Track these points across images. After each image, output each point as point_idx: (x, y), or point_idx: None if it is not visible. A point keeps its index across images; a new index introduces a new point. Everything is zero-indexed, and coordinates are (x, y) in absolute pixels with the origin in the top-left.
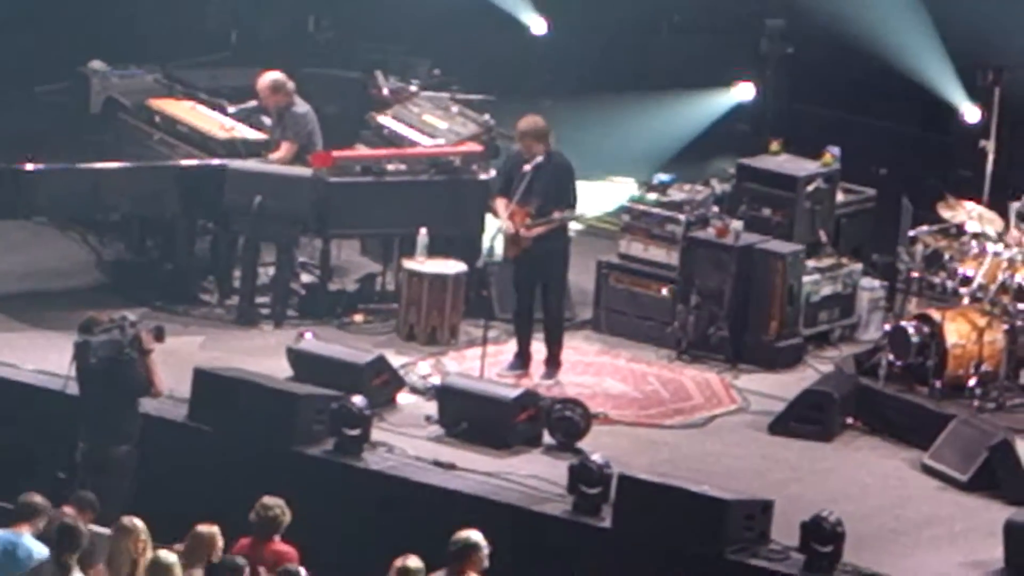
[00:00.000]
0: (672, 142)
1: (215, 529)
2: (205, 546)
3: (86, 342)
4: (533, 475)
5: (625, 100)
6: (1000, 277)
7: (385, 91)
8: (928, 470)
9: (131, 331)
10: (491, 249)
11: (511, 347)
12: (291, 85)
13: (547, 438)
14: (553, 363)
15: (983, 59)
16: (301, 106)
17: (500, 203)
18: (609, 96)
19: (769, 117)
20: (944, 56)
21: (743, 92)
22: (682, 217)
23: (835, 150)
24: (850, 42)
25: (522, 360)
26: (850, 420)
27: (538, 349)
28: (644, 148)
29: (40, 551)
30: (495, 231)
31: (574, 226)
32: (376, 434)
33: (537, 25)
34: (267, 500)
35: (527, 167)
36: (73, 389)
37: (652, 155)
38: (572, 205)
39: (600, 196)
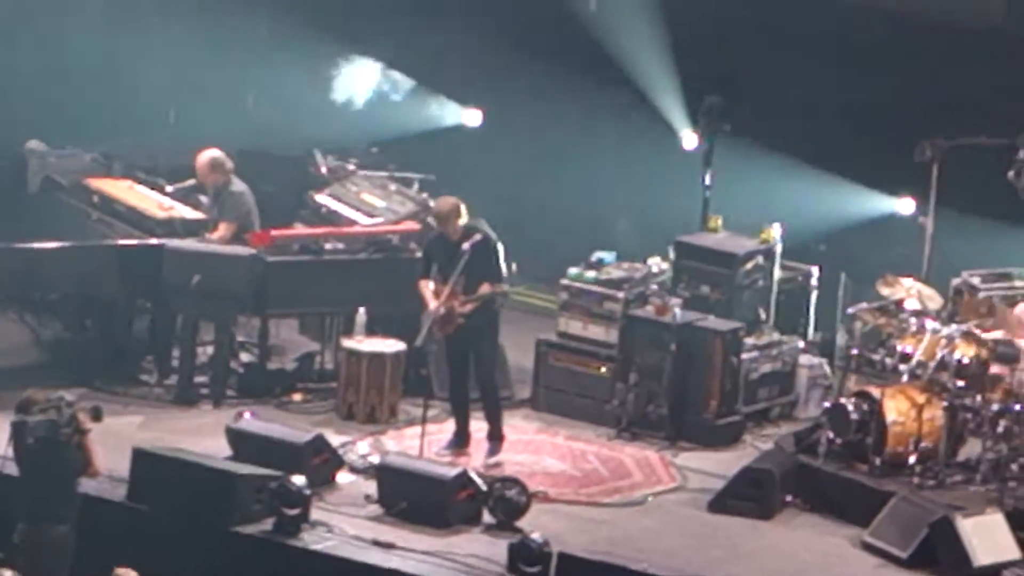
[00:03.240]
0: None
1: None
2: None
3: (23, 422)
4: (473, 554)
5: None
6: (939, 354)
7: (323, 169)
8: (868, 547)
9: (68, 411)
10: (428, 333)
11: (450, 426)
12: (229, 164)
13: (486, 517)
14: (496, 436)
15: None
16: (238, 185)
17: (424, 285)
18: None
19: None
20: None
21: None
22: (621, 295)
23: (777, 226)
24: None
25: (461, 439)
26: (789, 498)
27: (479, 427)
28: None
29: None
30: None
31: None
32: (315, 513)
33: (471, 118)
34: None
35: (466, 245)
36: (10, 469)
37: None
38: (500, 279)
39: None
